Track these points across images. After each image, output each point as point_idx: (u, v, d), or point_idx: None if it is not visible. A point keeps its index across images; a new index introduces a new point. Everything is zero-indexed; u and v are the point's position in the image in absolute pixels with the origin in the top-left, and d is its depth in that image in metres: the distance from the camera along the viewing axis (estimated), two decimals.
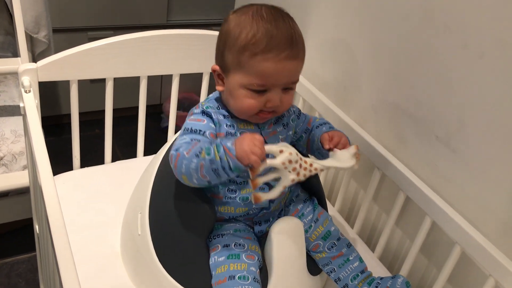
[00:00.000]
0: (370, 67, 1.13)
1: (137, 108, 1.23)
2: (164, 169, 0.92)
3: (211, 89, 1.31)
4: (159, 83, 2.50)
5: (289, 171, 0.73)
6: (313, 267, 0.92)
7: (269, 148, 0.72)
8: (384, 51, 1.08)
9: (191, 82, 1.99)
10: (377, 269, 1.07)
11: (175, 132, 1.26)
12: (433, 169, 1.00)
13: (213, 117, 0.82)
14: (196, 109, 0.85)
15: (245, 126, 0.84)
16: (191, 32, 1.18)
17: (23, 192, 1.58)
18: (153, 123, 2.46)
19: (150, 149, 1.31)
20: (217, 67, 0.82)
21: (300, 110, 0.96)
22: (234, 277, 0.79)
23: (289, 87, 0.81)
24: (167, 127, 1.35)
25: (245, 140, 0.70)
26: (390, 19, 1.04)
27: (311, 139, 0.94)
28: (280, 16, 0.78)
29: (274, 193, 0.75)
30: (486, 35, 0.85)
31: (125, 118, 2.29)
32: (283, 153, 0.73)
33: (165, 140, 1.34)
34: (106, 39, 1.09)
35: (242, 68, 0.77)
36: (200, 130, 0.80)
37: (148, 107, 1.26)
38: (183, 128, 0.83)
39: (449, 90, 0.94)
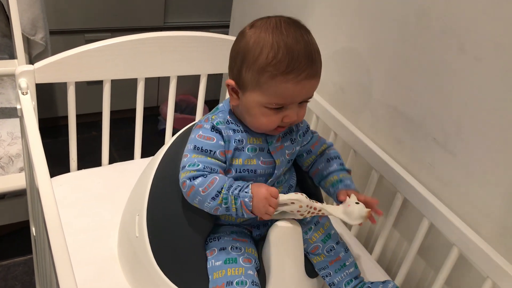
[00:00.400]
0: (367, 69, 1.13)
1: (133, 110, 1.23)
2: (162, 172, 0.92)
3: (208, 91, 1.31)
4: (156, 85, 2.50)
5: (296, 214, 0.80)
6: (311, 269, 0.92)
7: (281, 200, 0.78)
8: (381, 54, 1.08)
9: (188, 84, 1.99)
10: (375, 271, 1.07)
11: (173, 135, 1.25)
12: (430, 171, 1.00)
13: (223, 133, 0.81)
14: (206, 123, 0.83)
15: (254, 142, 0.83)
16: (188, 34, 1.18)
17: (19, 194, 1.58)
18: (150, 126, 2.45)
19: (147, 151, 1.31)
20: (232, 82, 0.80)
21: (308, 126, 0.94)
22: (232, 282, 0.79)
23: (304, 101, 0.81)
24: (164, 129, 1.35)
25: (261, 200, 0.76)
26: (387, 21, 1.05)
27: (319, 173, 0.93)
28: (299, 32, 0.77)
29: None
30: (483, 38, 0.85)
31: (121, 120, 2.29)
32: (293, 204, 0.79)
33: (162, 142, 1.34)
34: (103, 41, 1.09)
35: (260, 87, 0.76)
36: (211, 151, 0.80)
37: (145, 109, 1.25)
38: (192, 143, 0.81)
39: (446, 93, 0.94)
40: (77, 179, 1.18)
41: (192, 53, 1.20)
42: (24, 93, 1.01)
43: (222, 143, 0.81)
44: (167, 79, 1.24)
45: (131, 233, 0.93)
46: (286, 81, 0.75)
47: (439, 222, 0.94)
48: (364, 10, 1.11)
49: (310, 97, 0.81)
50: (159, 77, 2.35)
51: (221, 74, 1.83)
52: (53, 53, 1.09)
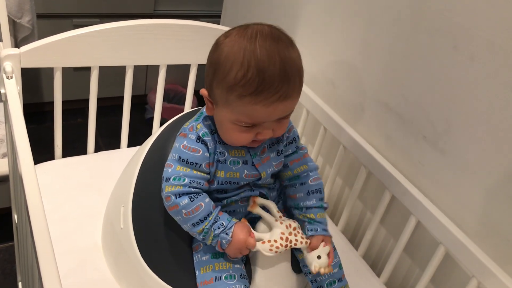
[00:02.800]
0: (360, 65, 1.12)
1: (119, 98, 1.20)
2: (149, 163, 0.90)
3: (197, 81, 1.30)
4: (144, 74, 2.47)
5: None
6: (297, 265, 0.91)
7: (259, 247, 0.79)
8: (374, 50, 1.07)
9: (176, 73, 1.97)
10: (360, 267, 1.07)
11: (160, 125, 1.24)
12: (419, 169, 1.00)
13: (209, 145, 0.78)
14: (191, 133, 0.79)
15: (236, 154, 0.80)
16: (179, 23, 1.16)
17: (1, 180, 1.55)
18: (136, 114, 2.43)
19: (133, 140, 1.29)
20: (205, 93, 0.77)
21: (295, 138, 0.88)
22: (220, 277, 0.78)
23: (283, 117, 0.76)
24: (151, 118, 1.33)
25: (235, 248, 0.77)
26: (381, 18, 1.04)
27: (295, 201, 0.88)
28: (276, 47, 0.70)
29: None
30: (476, 37, 0.85)
31: (107, 108, 2.26)
32: (270, 242, 0.79)
33: (149, 132, 1.32)
34: (92, 26, 1.07)
35: (229, 105, 0.72)
36: (196, 163, 0.77)
37: (132, 98, 1.23)
38: (177, 153, 0.78)
39: (438, 91, 0.94)
40: (61, 166, 1.16)
41: (182, 42, 1.18)
42: (9, 77, 0.99)
43: (207, 154, 0.78)
44: (155, 68, 1.22)
45: (115, 224, 0.91)
46: (255, 103, 0.70)
47: (427, 220, 0.94)
48: (358, 4, 1.10)
49: (288, 115, 0.76)
50: (147, 66, 2.34)
51: None
52: (40, 38, 1.07)
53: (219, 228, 0.76)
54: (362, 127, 1.13)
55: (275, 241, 0.79)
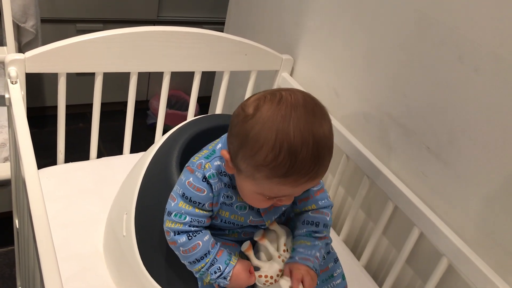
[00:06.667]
0: (363, 74, 1.12)
1: (121, 103, 1.21)
2: (152, 171, 0.90)
3: (200, 88, 1.30)
4: (146, 79, 2.47)
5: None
6: None
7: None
8: (378, 60, 1.07)
9: (179, 79, 1.97)
10: (361, 277, 1.07)
11: (163, 131, 1.24)
12: (423, 180, 1.00)
13: (213, 187, 0.75)
14: (198, 170, 0.76)
15: (243, 200, 0.77)
16: (184, 30, 1.16)
17: (2, 184, 1.55)
18: (138, 120, 2.42)
19: (135, 146, 1.29)
20: (227, 157, 0.71)
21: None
22: None
23: None
24: (153, 124, 1.33)
25: (238, 280, 0.76)
26: (385, 28, 1.04)
27: (296, 233, 0.85)
28: (311, 125, 0.65)
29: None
30: (481, 49, 0.85)
31: (109, 113, 2.25)
32: (266, 277, 0.79)
33: (151, 137, 1.32)
34: (97, 32, 1.07)
35: (255, 180, 0.69)
36: (199, 203, 0.75)
37: (135, 103, 1.23)
38: (181, 189, 0.76)
39: (442, 102, 0.94)
40: (64, 172, 1.16)
41: (186, 50, 1.18)
42: (14, 82, 0.99)
43: (211, 194, 0.76)
44: (157, 74, 1.21)
45: (118, 231, 0.91)
46: (283, 184, 0.67)
47: (430, 232, 0.93)
48: (363, 13, 1.10)
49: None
50: (149, 72, 2.34)
51: (213, 71, 1.82)
52: (44, 42, 1.07)
53: (215, 272, 0.76)
54: (365, 137, 1.13)
55: (271, 277, 0.79)
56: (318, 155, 0.66)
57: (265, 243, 0.80)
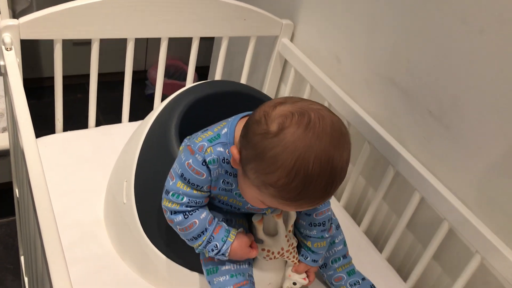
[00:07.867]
0: (365, 39, 1.10)
1: (119, 74, 1.19)
2: (151, 138, 0.89)
3: (198, 57, 1.28)
4: (144, 49, 2.44)
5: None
6: None
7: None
8: (380, 24, 1.05)
9: (177, 48, 1.95)
10: (362, 243, 1.08)
11: (162, 100, 1.22)
12: (424, 145, 0.99)
13: (212, 173, 0.73)
14: (199, 153, 0.73)
15: None
16: None
17: (2, 155, 1.54)
18: (137, 90, 2.40)
19: (133, 116, 1.28)
20: (237, 157, 0.68)
21: None
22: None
23: None
24: (151, 94, 1.32)
25: (237, 255, 0.78)
26: None
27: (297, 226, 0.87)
28: (334, 150, 0.63)
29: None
30: (486, 11, 0.83)
31: (107, 83, 2.24)
32: (268, 252, 0.82)
33: (149, 108, 1.30)
34: None
35: (261, 192, 0.67)
36: (198, 185, 0.74)
37: (132, 74, 1.21)
38: (180, 169, 0.74)
39: (445, 65, 0.92)
40: (62, 140, 1.15)
41: (184, 15, 1.16)
42: (8, 49, 0.97)
43: (210, 178, 0.74)
44: (155, 43, 1.19)
45: (118, 199, 0.91)
46: (288, 205, 0.66)
47: (431, 196, 0.93)
48: None
49: None
50: (147, 41, 2.30)
51: (212, 39, 1.79)
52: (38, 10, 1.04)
53: (213, 250, 0.77)
54: (366, 102, 1.11)
55: (272, 253, 0.82)
56: (331, 185, 0.64)
57: (280, 221, 0.81)
